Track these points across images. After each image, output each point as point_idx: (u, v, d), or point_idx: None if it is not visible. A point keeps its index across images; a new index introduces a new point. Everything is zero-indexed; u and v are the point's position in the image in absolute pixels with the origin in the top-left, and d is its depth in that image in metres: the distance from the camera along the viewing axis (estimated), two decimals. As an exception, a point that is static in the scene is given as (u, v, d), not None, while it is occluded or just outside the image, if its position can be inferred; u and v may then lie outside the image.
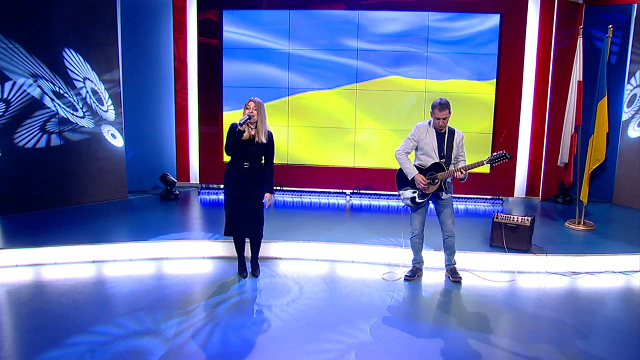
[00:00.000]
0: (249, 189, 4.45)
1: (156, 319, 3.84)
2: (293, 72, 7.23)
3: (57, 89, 6.20)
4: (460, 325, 3.88)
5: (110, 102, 6.61)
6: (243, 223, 4.52)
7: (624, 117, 6.94)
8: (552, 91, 6.94)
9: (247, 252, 4.86)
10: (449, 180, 4.45)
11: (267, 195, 4.52)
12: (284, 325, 3.80)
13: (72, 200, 6.53)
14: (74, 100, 6.34)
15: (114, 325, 3.73)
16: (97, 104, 6.49)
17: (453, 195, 4.64)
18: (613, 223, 6.30)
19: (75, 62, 6.25)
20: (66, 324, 3.74)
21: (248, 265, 4.77)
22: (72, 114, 6.36)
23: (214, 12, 7.26)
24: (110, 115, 6.66)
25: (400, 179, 4.58)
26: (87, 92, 6.41)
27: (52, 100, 6.18)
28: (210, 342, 3.53)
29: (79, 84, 6.35)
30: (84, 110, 6.43)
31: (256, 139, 4.38)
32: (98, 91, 6.51)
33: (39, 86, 6.05)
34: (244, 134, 4.35)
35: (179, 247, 5.16)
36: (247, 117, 4.30)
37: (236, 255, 4.75)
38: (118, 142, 6.73)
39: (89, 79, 6.37)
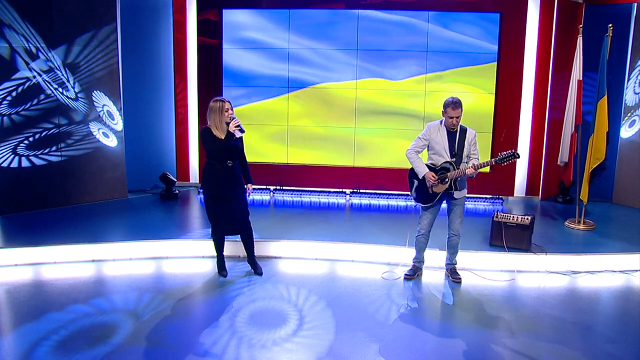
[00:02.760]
0: (234, 187, 4.45)
1: (155, 317, 3.84)
2: (293, 71, 7.23)
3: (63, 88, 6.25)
4: (460, 324, 3.88)
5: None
6: (233, 222, 4.52)
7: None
8: (552, 90, 6.93)
9: (242, 252, 4.86)
10: (460, 179, 4.41)
11: (249, 185, 4.60)
12: (282, 325, 3.81)
13: (72, 200, 6.53)
14: (78, 108, 6.40)
15: (111, 323, 3.74)
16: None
17: None
18: (613, 222, 6.29)
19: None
20: (65, 322, 3.74)
21: (244, 264, 4.77)
22: (73, 120, 6.42)
23: (213, 12, 7.25)
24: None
25: (411, 178, 4.57)
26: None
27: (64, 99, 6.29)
28: (209, 342, 3.54)
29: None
30: (84, 111, 6.46)
31: (235, 135, 4.34)
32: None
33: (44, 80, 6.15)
34: (222, 134, 4.30)
35: (178, 247, 5.16)
36: (240, 128, 4.31)
37: (216, 254, 4.70)
38: (111, 141, 6.73)
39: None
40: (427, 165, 4.45)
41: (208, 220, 4.57)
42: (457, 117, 4.30)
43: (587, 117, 6.49)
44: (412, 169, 4.53)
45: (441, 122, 4.42)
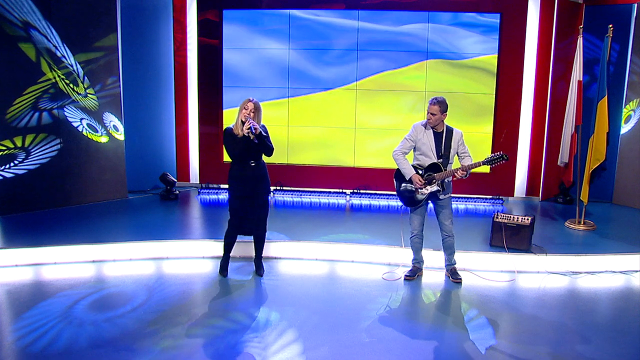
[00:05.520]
0: (256, 188, 4.48)
1: (155, 318, 3.84)
2: (293, 71, 7.23)
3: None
4: (460, 325, 3.88)
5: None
6: (248, 222, 4.54)
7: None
8: (552, 91, 6.93)
9: (246, 252, 4.85)
10: (447, 180, 4.43)
11: (255, 126, 4.22)
12: (283, 324, 3.81)
13: (72, 200, 6.53)
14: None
15: (112, 324, 3.74)
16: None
17: (452, 195, 4.63)
18: (613, 223, 6.30)
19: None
20: (66, 322, 3.75)
21: (244, 264, 4.76)
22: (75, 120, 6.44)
23: (214, 12, 7.25)
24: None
25: (398, 179, 4.57)
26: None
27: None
28: (209, 342, 3.54)
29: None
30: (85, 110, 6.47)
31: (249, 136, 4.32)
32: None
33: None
34: (240, 134, 4.33)
35: (179, 247, 5.16)
36: (253, 127, 4.20)
37: (223, 254, 4.70)
38: (112, 142, 6.74)
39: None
40: (413, 166, 4.45)
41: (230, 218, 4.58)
42: (432, 114, 4.29)
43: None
44: (397, 170, 4.53)
45: (426, 123, 4.42)
